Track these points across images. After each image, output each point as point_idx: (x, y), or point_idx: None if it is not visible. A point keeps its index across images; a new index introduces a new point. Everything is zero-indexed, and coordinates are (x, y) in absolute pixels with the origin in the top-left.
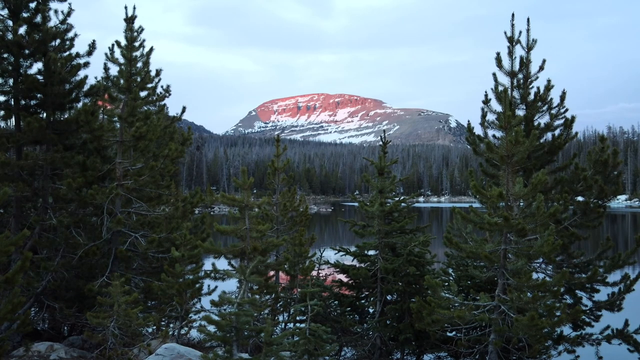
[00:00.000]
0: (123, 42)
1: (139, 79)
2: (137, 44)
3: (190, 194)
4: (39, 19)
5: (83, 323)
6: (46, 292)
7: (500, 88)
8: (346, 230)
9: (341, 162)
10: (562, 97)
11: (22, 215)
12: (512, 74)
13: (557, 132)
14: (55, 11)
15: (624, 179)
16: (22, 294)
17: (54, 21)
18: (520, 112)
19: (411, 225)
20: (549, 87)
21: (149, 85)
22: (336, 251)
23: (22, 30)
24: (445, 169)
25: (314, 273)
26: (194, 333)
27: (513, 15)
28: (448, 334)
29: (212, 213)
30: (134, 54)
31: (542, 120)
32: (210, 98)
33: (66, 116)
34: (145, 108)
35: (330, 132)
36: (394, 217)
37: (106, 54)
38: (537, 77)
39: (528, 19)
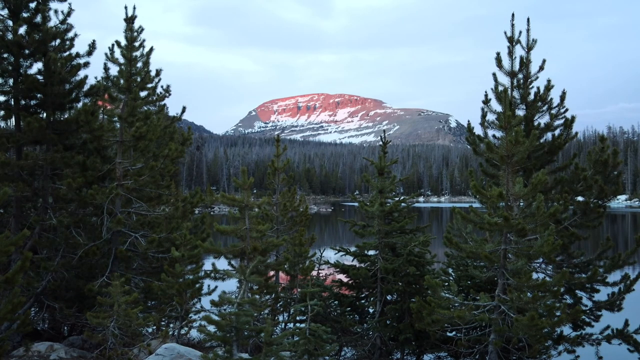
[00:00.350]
0: (123, 42)
1: (139, 79)
2: (137, 44)
3: (190, 194)
4: (39, 19)
5: (83, 323)
6: (46, 292)
7: (500, 88)
8: (346, 230)
9: (341, 162)
10: (562, 97)
11: (22, 215)
12: (512, 74)
13: (557, 132)
14: (55, 11)
15: (624, 179)
16: (22, 294)
17: (54, 21)
18: (520, 112)
19: (411, 225)
20: (549, 87)
21: (149, 85)
22: (336, 251)
23: (22, 30)
24: (445, 169)
25: (314, 273)
26: (194, 333)
27: (513, 15)
28: (448, 334)
29: (212, 213)
30: (134, 54)
31: (542, 120)
32: (210, 98)
33: (66, 116)
34: (145, 108)
35: (330, 132)
36: (394, 217)
37: (106, 54)
38: (537, 77)
39: (528, 19)
